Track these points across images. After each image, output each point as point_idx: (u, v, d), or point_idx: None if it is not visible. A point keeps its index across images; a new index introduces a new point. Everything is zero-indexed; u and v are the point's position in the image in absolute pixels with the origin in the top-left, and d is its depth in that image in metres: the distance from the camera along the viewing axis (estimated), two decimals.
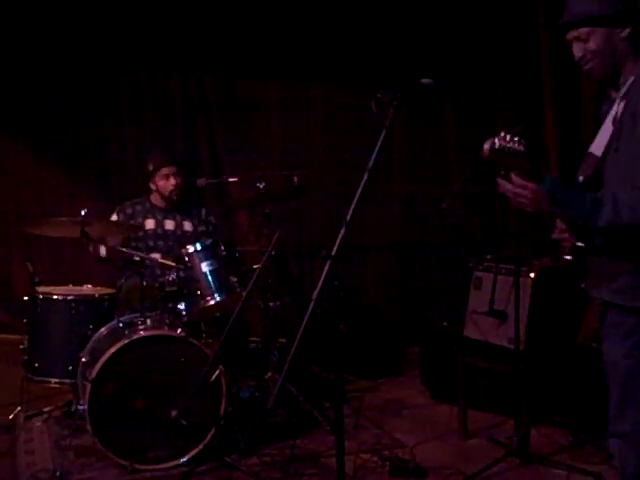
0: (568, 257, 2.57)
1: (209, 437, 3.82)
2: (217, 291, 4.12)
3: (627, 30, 2.51)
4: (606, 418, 2.63)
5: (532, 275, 4.40)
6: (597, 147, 2.58)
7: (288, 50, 6.18)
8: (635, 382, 2.49)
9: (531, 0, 5.32)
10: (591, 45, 2.53)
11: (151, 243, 4.77)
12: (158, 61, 6.35)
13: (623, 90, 2.53)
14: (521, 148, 2.45)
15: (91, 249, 4.67)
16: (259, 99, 6.53)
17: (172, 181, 4.78)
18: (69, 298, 4.25)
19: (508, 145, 2.45)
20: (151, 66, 6.44)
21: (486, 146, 2.47)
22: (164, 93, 6.53)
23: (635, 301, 2.45)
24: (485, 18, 5.53)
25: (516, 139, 2.45)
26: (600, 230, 2.42)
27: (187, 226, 4.87)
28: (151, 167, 4.82)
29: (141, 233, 4.76)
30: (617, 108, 2.53)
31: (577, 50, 2.57)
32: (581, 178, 2.59)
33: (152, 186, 4.84)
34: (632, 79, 2.51)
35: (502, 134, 2.46)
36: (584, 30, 2.53)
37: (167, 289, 4.15)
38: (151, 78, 6.50)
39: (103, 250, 4.62)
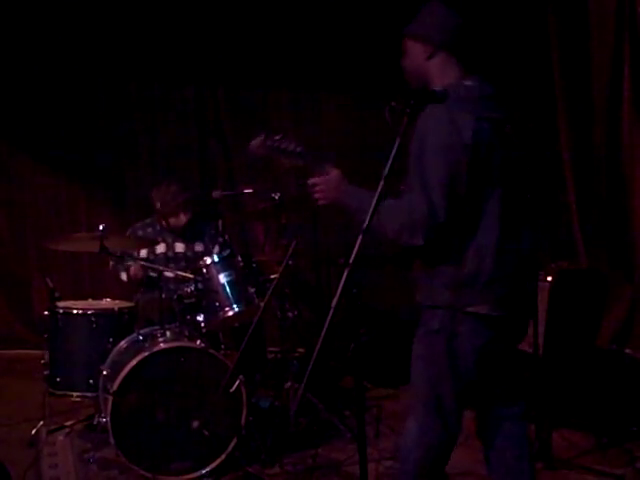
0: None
1: (231, 447, 3.83)
2: (235, 302, 4.14)
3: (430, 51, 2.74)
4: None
5: (549, 279, 4.39)
6: None
7: (301, 62, 6.20)
8: (417, 364, 2.77)
9: (541, 2, 5.33)
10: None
11: (162, 267, 4.75)
12: (172, 75, 6.40)
13: None
14: (298, 149, 2.66)
15: (111, 268, 4.70)
16: (272, 110, 6.55)
17: (182, 218, 4.77)
18: (89, 312, 4.28)
19: (282, 146, 2.69)
20: (165, 80, 6.48)
21: (253, 143, 2.71)
22: (178, 107, 6.56)
23: (429, 300, 2.77)
24: (496, 21, 5.54)
25: (292, 143, 2.70)
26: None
27: (198, 247, 4.85)
28: (158, 205, 4.77)
29: (152, 257, 4.77)
30: None
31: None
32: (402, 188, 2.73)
33: (162, 221, 4.83)
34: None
35: (275, 136, 2.72)
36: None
37: (186, 301, 4.17)
38: (165, 92, 6.55)
39: (124, 275, 4.66)
